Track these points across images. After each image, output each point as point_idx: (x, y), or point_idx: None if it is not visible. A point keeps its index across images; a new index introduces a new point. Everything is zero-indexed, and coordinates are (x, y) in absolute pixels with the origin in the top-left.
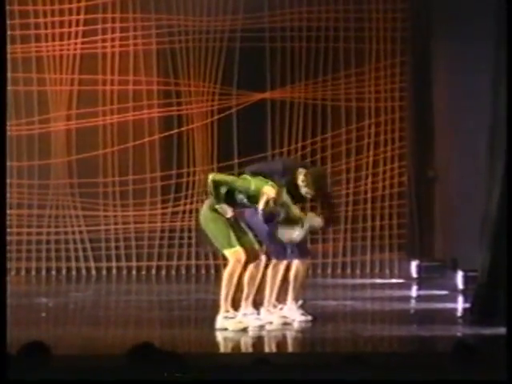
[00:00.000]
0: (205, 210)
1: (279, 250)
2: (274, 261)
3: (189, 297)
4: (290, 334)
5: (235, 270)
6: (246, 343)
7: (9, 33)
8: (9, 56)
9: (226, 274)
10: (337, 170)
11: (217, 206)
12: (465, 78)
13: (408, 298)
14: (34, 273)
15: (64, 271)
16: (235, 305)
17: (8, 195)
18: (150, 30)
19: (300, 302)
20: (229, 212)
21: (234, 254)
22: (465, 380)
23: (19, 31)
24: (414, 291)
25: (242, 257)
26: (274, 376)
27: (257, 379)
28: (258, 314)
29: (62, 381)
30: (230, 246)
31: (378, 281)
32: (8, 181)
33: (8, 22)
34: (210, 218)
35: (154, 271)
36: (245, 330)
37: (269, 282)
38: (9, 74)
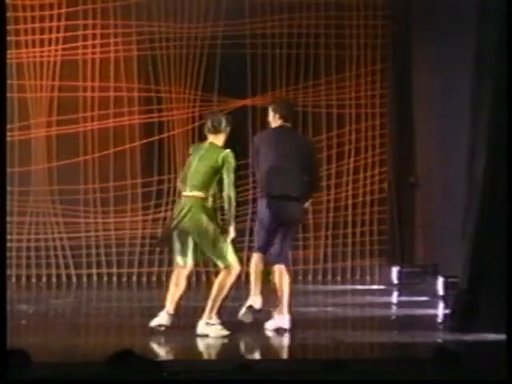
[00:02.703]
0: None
1: None
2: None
3: None
4: (270, 341)
5: (233, 279)
6: (227, 350)
7: None
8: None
9: (224, 282)
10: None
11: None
12: (445, 85)
13: (389, 304)
14: (14, 280)
15: (44, 278)
16: (219, 312)
17: None
18: (130, 37)
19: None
20: None
21: (236, 264)
22: (465, 380)
23: None
24: (394, 297)
25: (240, 266)
26: (256, 383)
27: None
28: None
29: None
30: (233, 255)
31: (359, 287)
32: None
33: None
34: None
35: (135, 278)
36: (225, 336)
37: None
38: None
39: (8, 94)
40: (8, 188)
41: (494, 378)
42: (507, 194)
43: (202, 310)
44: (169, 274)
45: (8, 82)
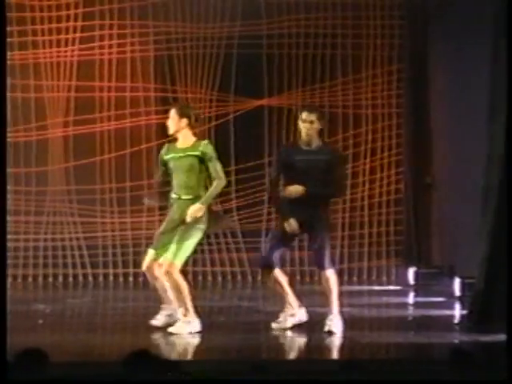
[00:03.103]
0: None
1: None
2: None
3: None
4: (286, 340)
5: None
6: (242, 350)
7: (7, 39)
8: (7, 63)
9: (182, 283)
10: None
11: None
12: (462, 85)
13: (405, 305)
14: (30, 279)
15: (61, 278)
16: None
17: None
18: (147, 37)
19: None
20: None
21: (180, 264)
22: (465, 380)
23: (17, 38)
24: (411, 298)
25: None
26: (271, 383)
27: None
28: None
29: None
30: (185, 255)
31: (376, 288)
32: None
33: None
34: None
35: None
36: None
37: None
38: (7, 81)
39: (25, 95)
40: (24, 188)
41: (495, 378)
42: (507, 194)
43: (219, 310)
44: (184, 274)
45: (25, 82)
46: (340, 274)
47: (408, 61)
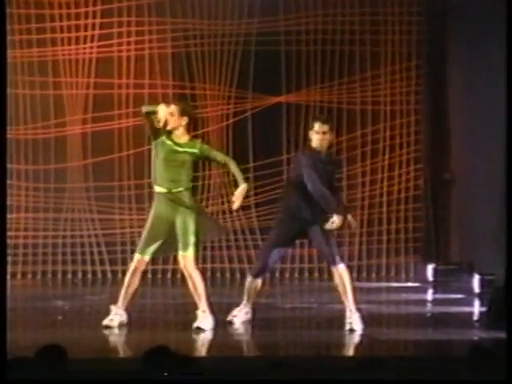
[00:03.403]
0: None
1: None
2: None
3: None
4: (304, 338)
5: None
6: (261, 347)
7: (25, 37)
8: (25, 60)
9: (197, 277)
10: (352, 174)
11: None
12: (480, 81)
13: (424, 302)
14: (49, 276)
15: (80, 274)
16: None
17: (24, 199)
18: (165, 34)
19: None
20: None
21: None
22: (465, 381)
23: (36, 35)
24: (429, 295)
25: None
26: (289, 380)
27: (272, 382)
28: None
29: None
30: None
31: (394, 284)
32: (24, 184)
33: (24, 26)
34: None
35: (169, 275)
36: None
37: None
38: (25, 78)
39: (44, 92)
40: (43, 185)
41: (494, 378)
42: (507, 193)
43: (237, 305)
44: (204, 271)
45: (44, 79)
46: (358, 270)
47: (427, 57)
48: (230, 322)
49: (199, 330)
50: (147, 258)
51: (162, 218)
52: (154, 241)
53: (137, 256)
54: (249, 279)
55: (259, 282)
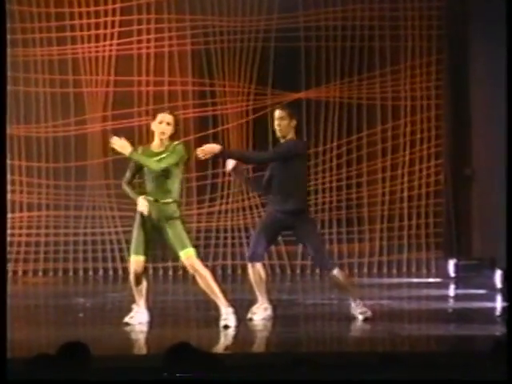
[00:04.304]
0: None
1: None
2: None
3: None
4: (325, 333)
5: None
6: (281, 343)
7: (45, 35)
8: (45, 58)
9: (205, 272)
10: (373, 169)
11: None
12: (501, 75)
13: (446, 297)
14: (71, 273)
15: (101, 272)
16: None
17: (45, 196)
18: (184, 31)
19: None
20: None
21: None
22: (466, 381)
23: (55, 33)
24: (451, 290)
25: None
26: (312, 376)
27: (294, 379)
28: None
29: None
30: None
31: (415, 280)
32: (45, 182)
33: (44, 24)
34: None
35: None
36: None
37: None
38: (46, 76)
39: (64, 90)
40: (64, 182)
41: (493, 378)
42: (507, 194)
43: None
44: (224, 268)
45: (64, 77)
46: (379, 266)
47: (447, 51)
48: (250, 319)
49: (226, 327)
50: (142, 257)
51: (148, 221)
52: (145, 240)
53: (132, 258)
54: (249, 270)
55: (260, 270)
